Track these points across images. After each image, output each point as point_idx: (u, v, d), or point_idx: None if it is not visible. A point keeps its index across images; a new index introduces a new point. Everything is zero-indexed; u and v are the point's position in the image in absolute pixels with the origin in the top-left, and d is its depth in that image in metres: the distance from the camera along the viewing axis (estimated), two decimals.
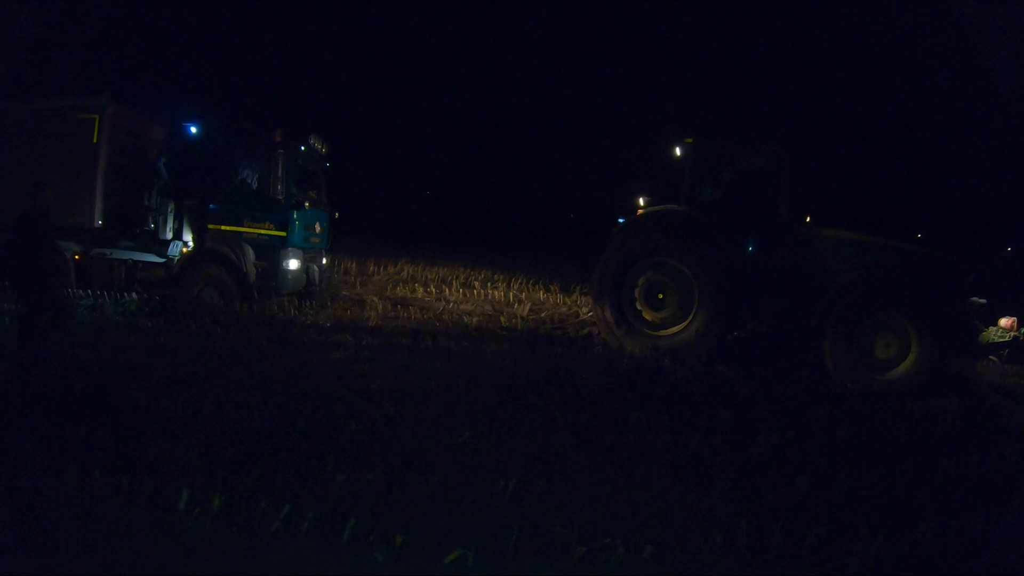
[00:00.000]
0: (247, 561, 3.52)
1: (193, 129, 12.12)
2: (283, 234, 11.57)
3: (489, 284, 17.43)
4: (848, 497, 4.83)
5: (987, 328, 9.23)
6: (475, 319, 11.98)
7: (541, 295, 16.06)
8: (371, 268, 19.48)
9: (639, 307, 10.06)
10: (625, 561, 3.71)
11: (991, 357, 10.16)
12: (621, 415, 6.38)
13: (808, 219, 10.36)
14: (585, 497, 4.46)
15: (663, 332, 9.95)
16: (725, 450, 5.61)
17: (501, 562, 3.60)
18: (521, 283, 17.75)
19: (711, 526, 4.11)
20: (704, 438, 5.78)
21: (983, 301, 9.26)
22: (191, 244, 11.77)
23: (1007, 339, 9.36)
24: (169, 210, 12.04)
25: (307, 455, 4.83)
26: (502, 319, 12.14)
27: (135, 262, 11.95)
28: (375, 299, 13.76)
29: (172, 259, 11.75)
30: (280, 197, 11.59)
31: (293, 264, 11.71)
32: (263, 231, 11.58)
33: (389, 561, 3.49)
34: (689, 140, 10.33)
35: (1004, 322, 9.42)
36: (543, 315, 13.08)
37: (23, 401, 5.76)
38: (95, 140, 11.68)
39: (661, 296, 9.97)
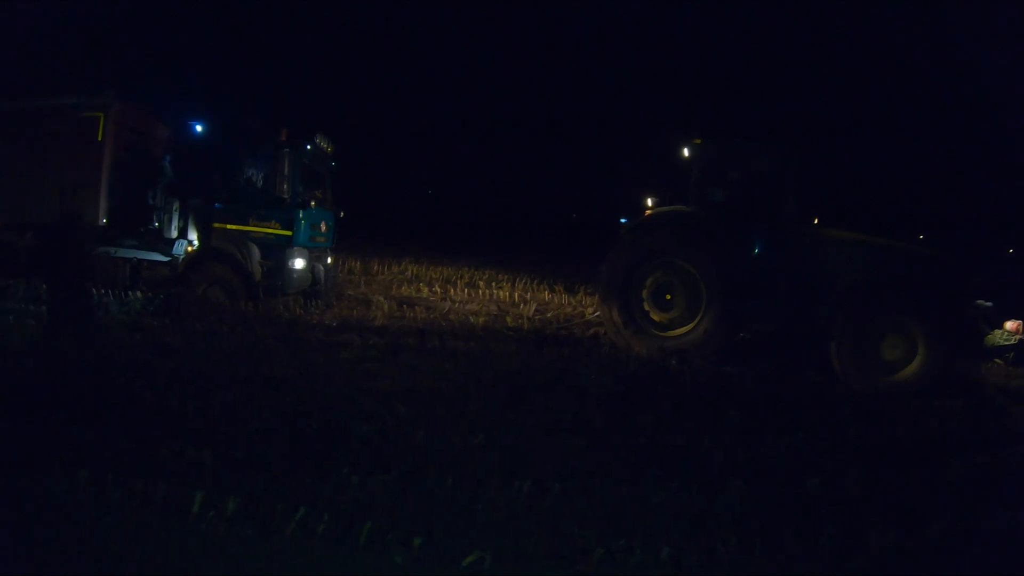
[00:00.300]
0: (263, 565, 3.50)
1: (198, 127, 12.10)
2: (289, 233, 11.53)
3: (494, 284, 17.40)
4: (859, 498, 4.83)
5: (993, 331, 9.23)
6: (481, 319, 11.94)
7: (546, 295, 16.02)
8: (375, 267, 19.45)
9: (647, 308, 10.04)
10: (643, 563, 3.69)
11: (996, 360, 10.16)
12: (631, 416, 6.37)
13: (816, 220, 10.35)
14: (600, 499, 4.45)
15: (671, 333, 9.93)
16: (736, 451, 5.61)
17: (519, 564, 3.58)
18: (526, 283, 17.71)
19: (726, 528, 4.10)
20: (715, 439, 5.77)
21: (989, 304, 9.26)
22: (196, 243, 11.74)
23: (1012, 342, 9.35)
24: (174, 208, 12.02)
25: (320, 457, 4.81)
26: (508, 319, 12.11)
27: (140, 261, 11.95)
28: (380, 298, 13.73)
29: (177, 258, 11.72)
30: (286, 196, 11.55)
31: (299, 263, 11.67)
32: (269, 230, 11.53)
33: (408, 564, 3.47)
34: (697, 141, 10.31)
35: (1010, 325, 9.42)
36: (549, 315, 13.05)
37: (32, 402, 5.73)
38: (99, 138, 11.66)
39: (669, 297, 9.95)
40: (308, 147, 11.90)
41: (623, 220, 11.05)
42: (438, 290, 16.17)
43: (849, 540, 4.07)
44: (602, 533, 3.89)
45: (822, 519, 4.28)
